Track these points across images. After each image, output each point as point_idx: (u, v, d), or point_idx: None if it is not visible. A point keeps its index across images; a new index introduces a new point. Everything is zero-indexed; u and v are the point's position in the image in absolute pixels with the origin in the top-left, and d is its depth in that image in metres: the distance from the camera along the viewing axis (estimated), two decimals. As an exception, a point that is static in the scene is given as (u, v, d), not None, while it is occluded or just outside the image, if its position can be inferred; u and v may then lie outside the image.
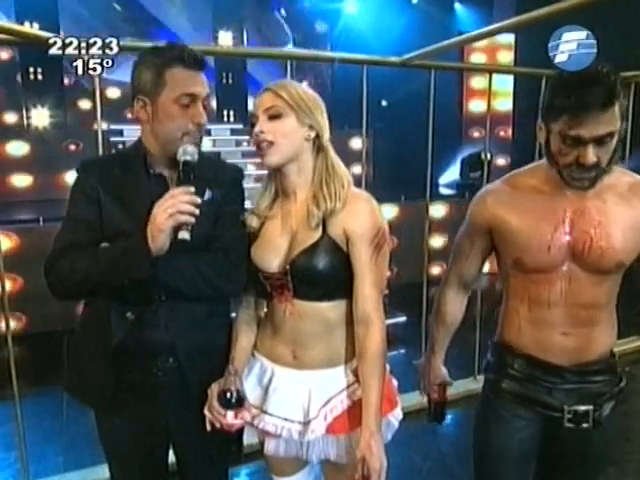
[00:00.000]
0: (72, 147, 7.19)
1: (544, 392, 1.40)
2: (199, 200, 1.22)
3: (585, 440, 1.41)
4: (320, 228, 1.30)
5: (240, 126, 8.54)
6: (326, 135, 1.36)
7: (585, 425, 1.38)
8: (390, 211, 5.87)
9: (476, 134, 8.86)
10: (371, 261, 1.29)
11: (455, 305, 1.58)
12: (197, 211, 1.20)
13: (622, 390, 1.44)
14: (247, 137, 8.00)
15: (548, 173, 1.35)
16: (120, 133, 7.06)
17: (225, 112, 8.84)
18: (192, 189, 1.21)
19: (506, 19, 2.66)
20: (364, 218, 1.29)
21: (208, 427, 1.35)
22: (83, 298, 1.39)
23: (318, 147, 1.36)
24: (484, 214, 1.42)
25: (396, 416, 1.43)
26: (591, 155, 1.22)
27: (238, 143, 7.82)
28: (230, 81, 8.86)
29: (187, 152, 1.28)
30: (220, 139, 7.54)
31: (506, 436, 1.46)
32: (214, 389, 1.35)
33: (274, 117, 1.30)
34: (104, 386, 1.35)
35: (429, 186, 3.24)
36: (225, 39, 8.92)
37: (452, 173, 8.96)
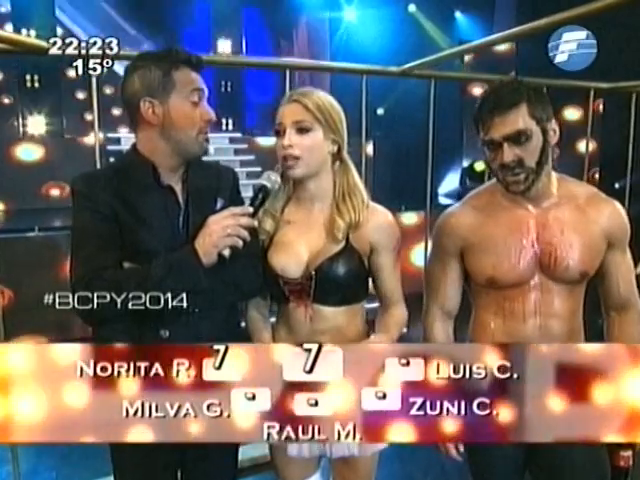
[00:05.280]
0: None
1: None
2: (256, 224, 1.26)
3: (572, 453, 1.39)
4: (344, 239, 1.39)
5: (239, 135, 8.60)
6: (345, 147, 1.42)
7: None
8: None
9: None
10: (395, 265, 1.45)
11: (445, 336, 1.52)
12: (248, 237, 1.23)
13: None
14: (245, 146, 8.07)
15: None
16: (117, 141, 7.08)
17: (224, 120, 8.90)
18: (251, 210, 1.25)
19: (507, 28, 2.67)
20: (389, 231, 1.42)
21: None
22: (117, 320, 1.29)
23: (338, 160, 1.42)
24: (452, 238, 1.43)
25: None
26: (507, 153, 1.29)
27: (237, 152, 7.86)
28: (229, 89, 8.92)
29: (270, 179, 1.32)
30: (218, 148, 7.55)
31: (490, 453, 1.46)
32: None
33: (302, 131, 1.35)
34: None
35: (429, 196, 3.24)
36: (224, 48, 9.00)
37: (451, 182, 9.05)
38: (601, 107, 6.28)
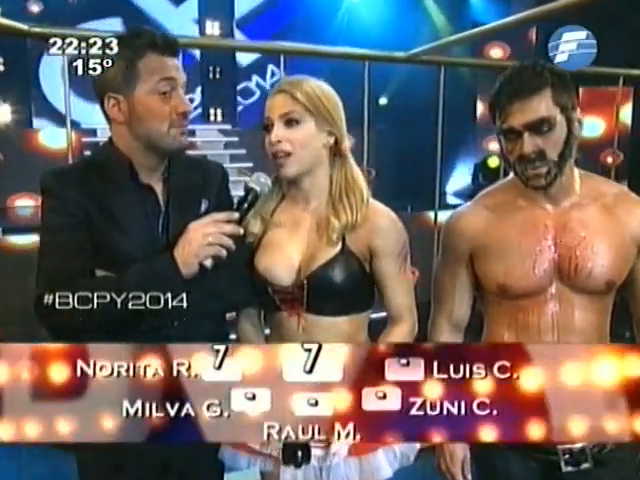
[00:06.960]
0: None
1: None
2: (241, 231, 1.28)
3: None
4: (340, 242, 1.39)
5: (228, 127, 8.57)
6: (345, 141, 1.43)
7: (586, 465, 1.36)
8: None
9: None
10: (400, 273, 1.43)
11: None
12: (234, 246, 1.25)
13: None
14: (236, 139, 8.11)
15: (522, 186, 1.39)
16: (93, 133, 7.15)
17: (212, 111, 8.85)
18: (236, 216, 1.28)
19: (525, 9, 2.73)
20: (391, 235, 1.41)
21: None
22: (90, 333, 1.25)
23: (336, 154, 1.43)
24: (462, 241, 1.45)
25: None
26: (527, 143, 1.29)
27: (227, 146, 7.90)
28: (217, 76, 8.89)
29: (260, 182, 1.35)
30: (206, 141, 7.59)
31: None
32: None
33: (291, 124, 1.36)
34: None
35: (438, 195, 3.31)
36: (212, 30, 9.00)
37: (459, 180, 9.13)
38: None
